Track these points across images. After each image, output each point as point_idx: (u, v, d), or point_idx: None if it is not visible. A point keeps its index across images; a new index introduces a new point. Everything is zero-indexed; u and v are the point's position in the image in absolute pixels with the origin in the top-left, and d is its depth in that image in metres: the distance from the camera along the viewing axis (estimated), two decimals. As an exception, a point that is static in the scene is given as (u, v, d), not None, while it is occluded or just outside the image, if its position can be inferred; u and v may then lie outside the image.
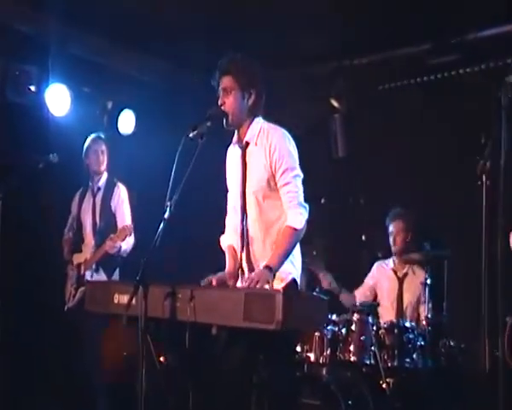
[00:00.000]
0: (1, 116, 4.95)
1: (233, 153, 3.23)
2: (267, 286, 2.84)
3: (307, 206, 3.05)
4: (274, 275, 2.90)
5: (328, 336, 4.36)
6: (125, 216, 4.81)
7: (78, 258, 4.79)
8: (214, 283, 2.97)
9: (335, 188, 5.82)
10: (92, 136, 4.94)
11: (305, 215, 3.02)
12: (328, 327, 4.37)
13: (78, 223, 4.88)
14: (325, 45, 5.14)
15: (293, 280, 3.05)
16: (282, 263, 2.96)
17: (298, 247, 3.11)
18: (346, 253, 5.49)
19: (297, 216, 2.99)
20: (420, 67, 5.37)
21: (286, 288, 2.93)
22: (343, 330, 4.36)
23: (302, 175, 3.09)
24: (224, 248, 3.23)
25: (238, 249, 3.14)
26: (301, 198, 3.05)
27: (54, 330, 4.98)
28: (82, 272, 4.70)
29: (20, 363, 4.92)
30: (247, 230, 3.09)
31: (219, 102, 3.08)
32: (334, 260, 5.41)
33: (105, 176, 4.92)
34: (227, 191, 3.28)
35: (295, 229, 2.98)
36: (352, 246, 5.41)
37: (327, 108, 5.86)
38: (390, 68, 5.43)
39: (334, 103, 5.83)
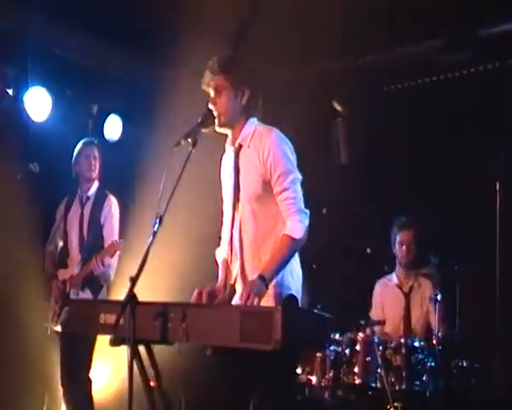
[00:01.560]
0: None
1: (226, 158, 3.26)
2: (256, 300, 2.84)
3: (308, 212, 3.06)
4: (267, 286, 2.91)
5: (331, 357, 4.38)
6: (113, 231, 4.74)
7: (63, 274, 4.70)
8: (204, 294, 2.98)
9: (338, 197, 5.85)
10: (84, 140, 4.86)
11: (306, 223, 3.02)
12: (331, 347, 4.39)
13: (64, 234, 4.79)
14: (327, 44, 5.18)
15: (291, 295, 3.05)
16: (276, 273, 2.96)
17: (297, 258, 3.12)
18: (351, 267, 5.52)
19: (296, 224, 2.99)
20: (428, 66, 5.42)
21: (283, 303, 2.94)
22: (347, 351, 4.38)
23: (301, 177, 3.09)
24: (218, 262, 3.26)
25: (229, 262, 3.15)
26: (301, 204, 3.04)
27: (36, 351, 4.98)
28: (67, 289, 4.62)
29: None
30: (240, 240, 3.10)
31: (210, 103, 3.12)
32: (338, 275, 5.46)
33: (95, 185, 4.82)
34: (222, 202, 3.30)
35: (293, 238, 2.98)
36: (357, 259, 5.44)
37: (329, 111, 5.90)
38: (396, 68, 5.48)
39: (337, 106, 5.88)
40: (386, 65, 5.48)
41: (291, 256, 3.01)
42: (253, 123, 3.16)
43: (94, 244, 4.65)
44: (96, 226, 4.71)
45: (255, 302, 2.82)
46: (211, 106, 3.11)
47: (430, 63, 5.38)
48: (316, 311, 3.56)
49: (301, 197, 3.06)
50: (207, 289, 3.02)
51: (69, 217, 4.79)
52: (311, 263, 4.75)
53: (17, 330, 5.04)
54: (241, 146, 3.15)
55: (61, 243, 4.83)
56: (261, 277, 2.90)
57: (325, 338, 3.40)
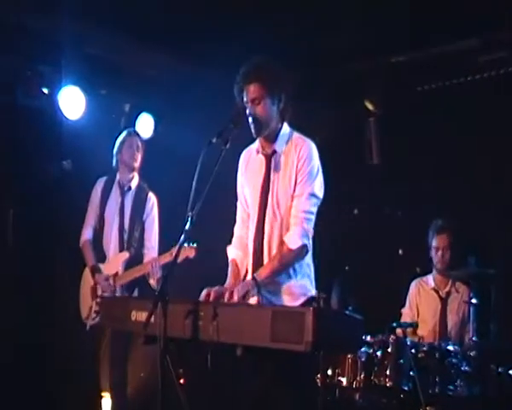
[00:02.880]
0: (11, 120, 5.01)
1: (253, 159, 3.25)
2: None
3: (310, 234, 3.06)
4: (258, 287, 2.97)
5: (362, 359, 4.32)
6: (154, 232, 4.69)
7: (106, 269, 4.61)
8: (212, 296, 2.97)
9: (370, 198, 5.79)
10: (128, 129, 4.91)
11: (304, 241, 3.03)
12: (363, 349, 4.33)
13: (100, 221, 4.71)
14: (359, 42, 5.12)
15: (312, 298, 3.11)
16: (269, 278, 3.01)
17: (312, 260, 3.15)
18: (382, 268, 5.46)
19: (294, 236, 3.03)
20: (464, 65, 5.32)
21: (304, 305, 3.01)
22: (378, 353, 4.32)
23: (320, 197, 3.11)
24: (228, 259, 3.27)
25: (250, 266, 3.17)
26: (308, 222, 3.05)
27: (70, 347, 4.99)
28: (113, 287, 4.54)
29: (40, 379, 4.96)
30: (262, 246, 3.12)
31: (248, 113, 3.10)
32: (369, 277, 5.40)
33: (136, 178, 4.78)
34: (236, 199, 3.32)
35: (289, 249, 3.03)
36: (389, 261, 5.38)
37: (361, 111, 5.85)
38: (431, 67, 5.39)
39: (369, 106, 5.82)
40: (419, 64, 5.39)
41: (286, 264, 3.06)
42: (287, 129, 3.18)
43: (139, 242, 4.63)
44: (139, 224, 4.66)
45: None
46: (249, 116, 3.09)
47: (465, 63, 5.28)
48: (347, 312, 3.53)
49: (312, 218, 3.09)
50: (215, 290, 3.01)
51: (108, 203, 4.71)
52: (343, 265, 4.72)
53: (59, 329, 5.04)
54: (274, 152, 3.15)
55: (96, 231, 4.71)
56: (253, 278, 3.00)
57: (357, 340, 3.37)
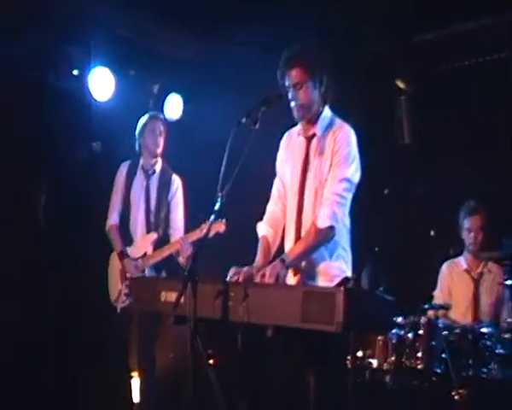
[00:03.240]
0: (41, 101, 5.02)
1: (293, 141, 3.26)
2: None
3: (339, 217, 3.03)
4: (287, 268, 2.96)
5: (393, 341, 4.29)
6: (180, 213, 4.69)
7: (134, 251, 4.63)
8: (241, 278, 2.97)
9: (401, 178, 5.71)
10: (150, 113, 4.85)
11: (332, 222, 3.01)
12: (393, 330, 4.30)
13: (126, 204, 4.69)
14: (389, 21, 5.03)
15: (346, 279, 3.08)
16: (298, 260, 3.01)
17: (349, 245, 3.11)
18: (414, 249, 5.39)
19: (323, 216, 3.01)
20: (498, 42, 5.20)
21: (339, 286, 2.95)
22: (410, 335, 4.28)
23: (354, 182, 3.08)
24: (259, 236, 3.26)
25: (291, 246, 3.15)
26: (337, 204, 3.02)
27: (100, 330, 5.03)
28: (141, 269, 4.55)
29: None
30: (301, 226, 3.11)
31: (290, 97, 3.10)
32: (400, 258, 5.34)
33: (160, 161, 4.77)
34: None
35: (317, 228, 3.01)
36: (420, 242, 5.30)
37: (392, 89, 5.76)
38: (463, 44, 5.27)
39: (400, 85, 5.72)
40: (451, 41, 5.28)
41: (315, 245, 3.04)
42: (329, 112, 3.17)
43: (165, 225, 4.63)
44: (164, 203, 4.66)
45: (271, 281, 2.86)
46: (291, 100, 3.10)
47: (495, 39, 5.15)
48: (378, 293, 3.50)
49: (344, 203, 3.06)
50: (244, 272, 3.00)
51: (133, 186, 4.71)
52: (373, 245, 4.68)
53: (89, 310, 5.08)
54: (314, 135, 3.15)
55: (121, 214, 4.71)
56: (282, 260, 2.96)
57: (388, 321, 3.33)
